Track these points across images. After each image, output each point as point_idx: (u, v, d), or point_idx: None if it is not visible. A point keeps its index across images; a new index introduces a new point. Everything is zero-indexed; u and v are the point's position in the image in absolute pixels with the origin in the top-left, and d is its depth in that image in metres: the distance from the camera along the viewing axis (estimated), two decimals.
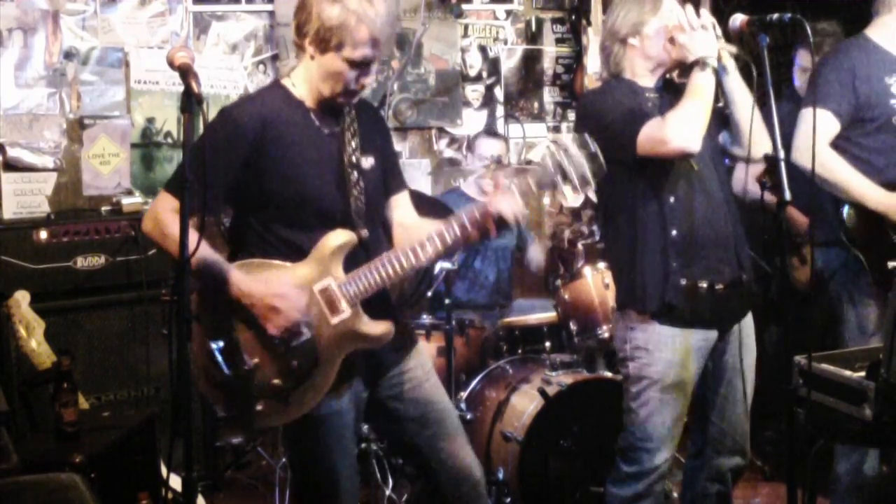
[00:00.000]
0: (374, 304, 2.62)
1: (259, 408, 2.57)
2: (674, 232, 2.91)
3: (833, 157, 3.23)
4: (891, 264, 3.26)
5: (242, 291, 2.50)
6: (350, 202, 2.62)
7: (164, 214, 2.50)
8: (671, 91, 3.03)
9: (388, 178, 2.79)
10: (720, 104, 2.98)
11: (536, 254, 4.75)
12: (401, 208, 2.82)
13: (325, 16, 2.50)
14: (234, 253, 2.66)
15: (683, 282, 2.92)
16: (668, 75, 3.08)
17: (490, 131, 4.87)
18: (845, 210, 3.31)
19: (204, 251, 2.38)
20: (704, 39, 2.89)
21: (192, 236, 2.26)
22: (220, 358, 2.54)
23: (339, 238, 2.58)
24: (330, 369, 2.57)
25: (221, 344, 2.54)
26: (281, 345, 2.54)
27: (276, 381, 2.55)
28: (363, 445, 3.73)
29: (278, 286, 2.51)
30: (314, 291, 2.56)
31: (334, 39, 2.51)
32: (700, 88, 2.87)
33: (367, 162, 2.68)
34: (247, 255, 2.60)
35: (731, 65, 2.98)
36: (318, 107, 2.64)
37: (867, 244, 3.30)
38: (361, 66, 2.53)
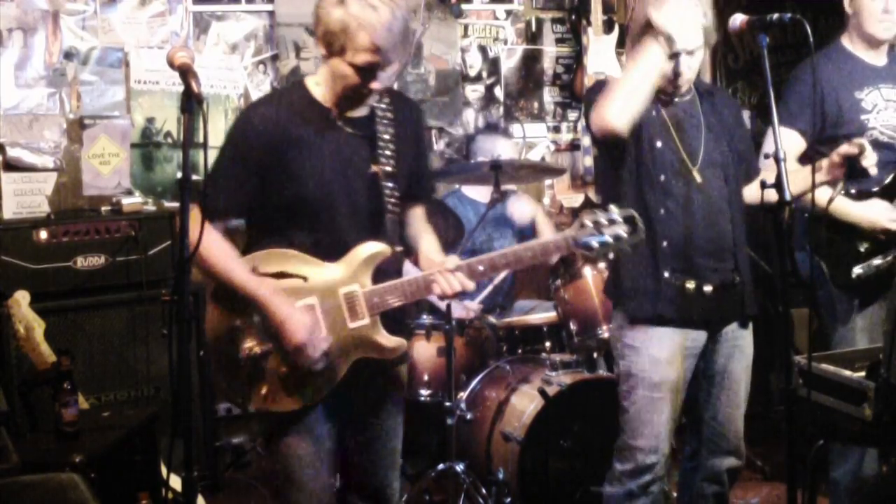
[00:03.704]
0: (391, 318, 2.64)
1: (262, 391, 2.59)
2: (664, 243, 2.92)
3: (800, 172, 3.20)
4: (856, 271, 3.27)
5: (270, 312, 2.52)
6: (384, 214, 2.62)
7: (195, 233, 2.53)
8: (706, 100, 3.04)
9: (410, 184, 2.73)
10: None
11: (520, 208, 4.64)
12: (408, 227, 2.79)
13: (328, 19, 2.46)
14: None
15: (673, 283, 2.93)
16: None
17: (492, 125, 4.80)
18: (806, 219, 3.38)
19: (234, 266, 2.53)
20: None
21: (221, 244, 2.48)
22: (238, 335, 2.57)
23: (373, 248, 2.59)
24: (337, 370, 2.59)
25: (242, 322, 2.57)
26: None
27: (284, 369, 2.57)
28: None
29: (304, 323, 2.51)
30: (339, 294, 2.57)
31: (336, 43, 2.46)
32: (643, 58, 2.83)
33: (401, 167, 2.65)
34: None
35: None
36: (341, 107, 2.59)
37: (831, 252, 3.32)
38: (366, 70, 2.48)
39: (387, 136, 2.63)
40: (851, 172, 2.90)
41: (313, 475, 2.64)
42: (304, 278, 2.58)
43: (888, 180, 3.29)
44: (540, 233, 4.58)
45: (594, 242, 2.58)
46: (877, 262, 3.27)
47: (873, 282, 3.29)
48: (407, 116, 2.72)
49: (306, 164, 2.55)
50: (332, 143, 2.58)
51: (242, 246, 2.66)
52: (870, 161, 2.86)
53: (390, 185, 2.63)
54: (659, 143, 2.93)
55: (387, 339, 2.61)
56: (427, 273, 2.61)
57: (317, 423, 2.63)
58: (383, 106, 2.65)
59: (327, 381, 2.59)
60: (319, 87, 2.61)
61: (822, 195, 3.04)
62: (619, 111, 2.79)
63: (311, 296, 2.57)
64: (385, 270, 2.62)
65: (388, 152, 2.63)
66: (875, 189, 3.29)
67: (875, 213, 3.28)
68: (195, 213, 2.46)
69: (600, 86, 2.98)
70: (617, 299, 3.07)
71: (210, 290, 2.63)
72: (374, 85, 2.51)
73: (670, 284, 2.93)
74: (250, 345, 2.57)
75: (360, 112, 2.62)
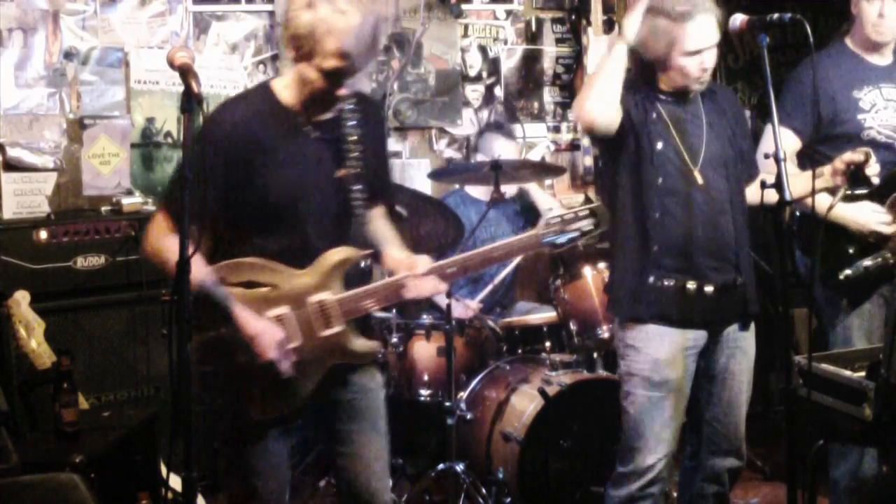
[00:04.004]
0: (358, 320, 2.62)
1: (243, 401, 2.58)
2: (655, 247, 2.93)
3: (800, 176, 3.18)
4: (844, 273, 3.27)
5: (240, 327, 2.49)
6: (352, 218, 2.60)
7: (161, 240, 2.49)
8: (708, 98, 3.06)
9: (372, 185, 2.67)
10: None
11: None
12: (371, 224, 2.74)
13: (297, 23, 2.41)
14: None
15: (671, 283, 2.94)
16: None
17: (497, 125, 4.81)
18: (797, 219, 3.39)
19: (202, 274, 2.43)
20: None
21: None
22: (214, 349, 2.54)
23: (343, 253, 2.56)
24: (312, 378, 2.58)
25: (214, 338, 2.53)
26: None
27: (260, 380, 2.54)
28: None
29: (273, 339, 2.49)
30: (309, 302, 2.54)
31: (304, 48, 2.42)
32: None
33: (367, 168, 2.63)
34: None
35: None
36: (308, 111, 2.56)
37: (821, 253, 3.32)
38: (333, 76, 2.44)
39: (353, 139, 2.61)
40: (855, 180, 2.90)
41: (269, 484, 2.64)
42: (274, 287, 2.55)
43: (879, 182, 3.28)
44: (538, 206, 4.60)
45: (559, 240, 2.63)
46: (866, 263, 3.27)
47: (863, 282, 3.29)
48: (370, 116, 2.70)
49: (274, 170, 2.52)
50: (299, 148, 2.55)
51: (206, 254, 2.56)
52: (874, 170, 2.87)
53: (357, 187, 2.60)
54: (660, 145, 2.93)
55: (361, 345, 2.60)
56: (399, 277, 2.58)
57: (273, 433, 2.62)
58: (349, 108, 2.61)
59: (302, 390, 2.58)
60: (287, 90, 2.56)
61: (822, 201, 3.05)
62: (594, 104, 2.84)
63: (281, 305, 2.54)
64: (354, 274, 2.60)
65: (355, 154, 2.60)
66: (866, 191, 3.29)
67: (864, 216, 3.28)
68: (161, 219, 2.47)
69: None
70: (610, 298, 3.12)
71: None
72: (340, 91, 2.49)
73: (654, 287, 2.94)
74: (227, 359, 2.54)
75: (327, 115, 2.59)
